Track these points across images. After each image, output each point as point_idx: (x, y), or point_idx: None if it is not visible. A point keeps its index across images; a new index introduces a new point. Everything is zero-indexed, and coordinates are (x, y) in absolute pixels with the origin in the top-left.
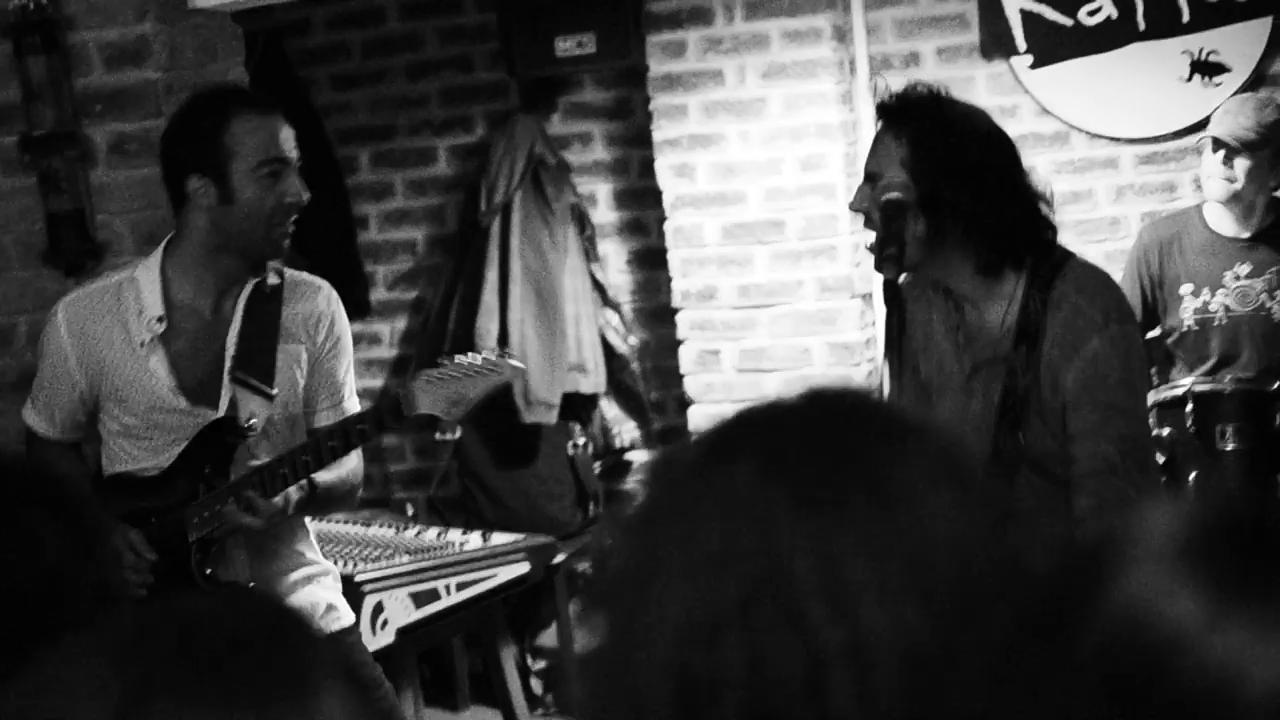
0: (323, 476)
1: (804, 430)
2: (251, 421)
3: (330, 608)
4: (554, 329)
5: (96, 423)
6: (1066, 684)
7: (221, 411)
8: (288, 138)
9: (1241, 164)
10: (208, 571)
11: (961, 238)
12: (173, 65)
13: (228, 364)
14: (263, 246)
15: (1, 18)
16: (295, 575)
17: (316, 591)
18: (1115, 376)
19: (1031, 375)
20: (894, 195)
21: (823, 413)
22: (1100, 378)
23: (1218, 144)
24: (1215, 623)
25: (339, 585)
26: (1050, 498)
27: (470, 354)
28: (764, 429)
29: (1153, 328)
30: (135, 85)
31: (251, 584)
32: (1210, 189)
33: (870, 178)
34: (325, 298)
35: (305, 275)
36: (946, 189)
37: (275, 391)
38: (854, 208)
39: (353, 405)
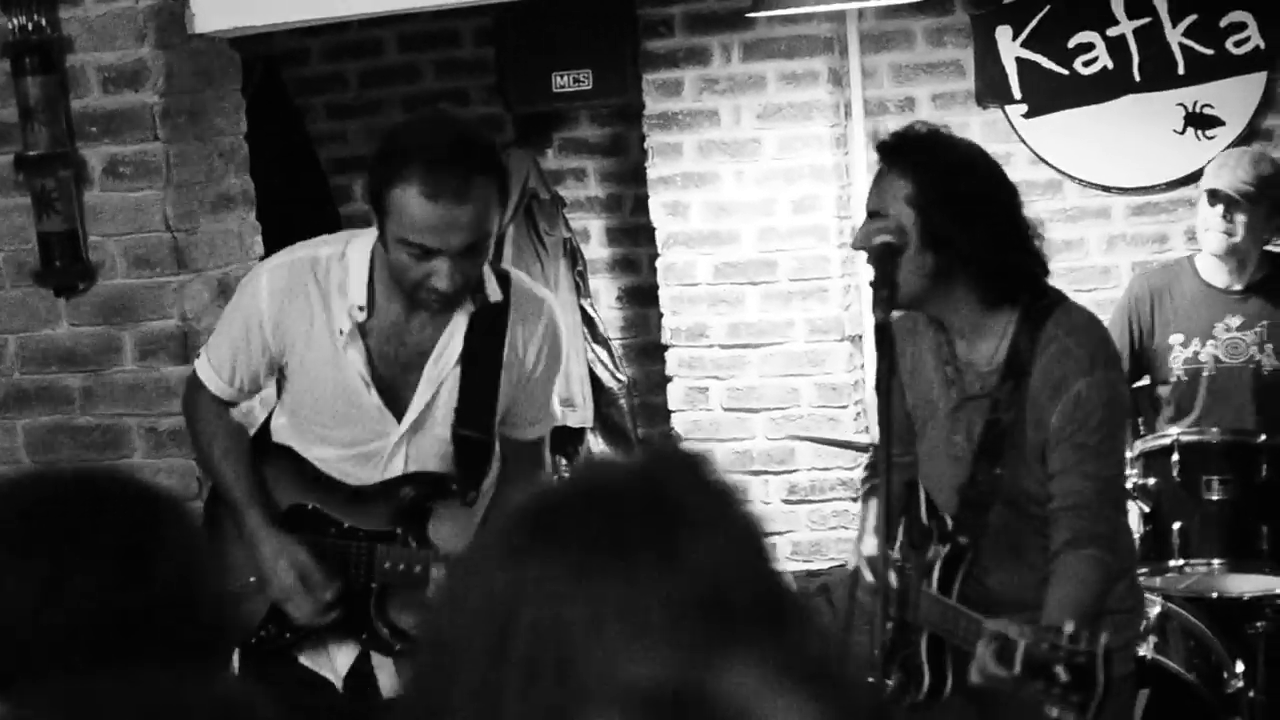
0: None
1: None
2: (471, 496)
3: None
4: None
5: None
6: None
7: (404, 427)
8: (451, 227)
9: (1240, 217)
10: (382, 615)
11: (963, 273)
12: (169, 89)
13: (422, 403)
14: (413, 300)
15: (0, 37)
16: None
17: None
18: (1096, 419)
19: (1015, 412)
20: (886, 238)
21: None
22: (1082, 420)
23: (1216, 197)
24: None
25: None
26: (1019, 533)
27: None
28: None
29: (1140, 377)
30: (131, 108)
31: None
32: (1208, 241)
33: (872, 215)
34: (548, 315)
35: (527, 284)
36: (951, 225)
37: (494, 445)
38: (856, 246)
39: (554, 416)
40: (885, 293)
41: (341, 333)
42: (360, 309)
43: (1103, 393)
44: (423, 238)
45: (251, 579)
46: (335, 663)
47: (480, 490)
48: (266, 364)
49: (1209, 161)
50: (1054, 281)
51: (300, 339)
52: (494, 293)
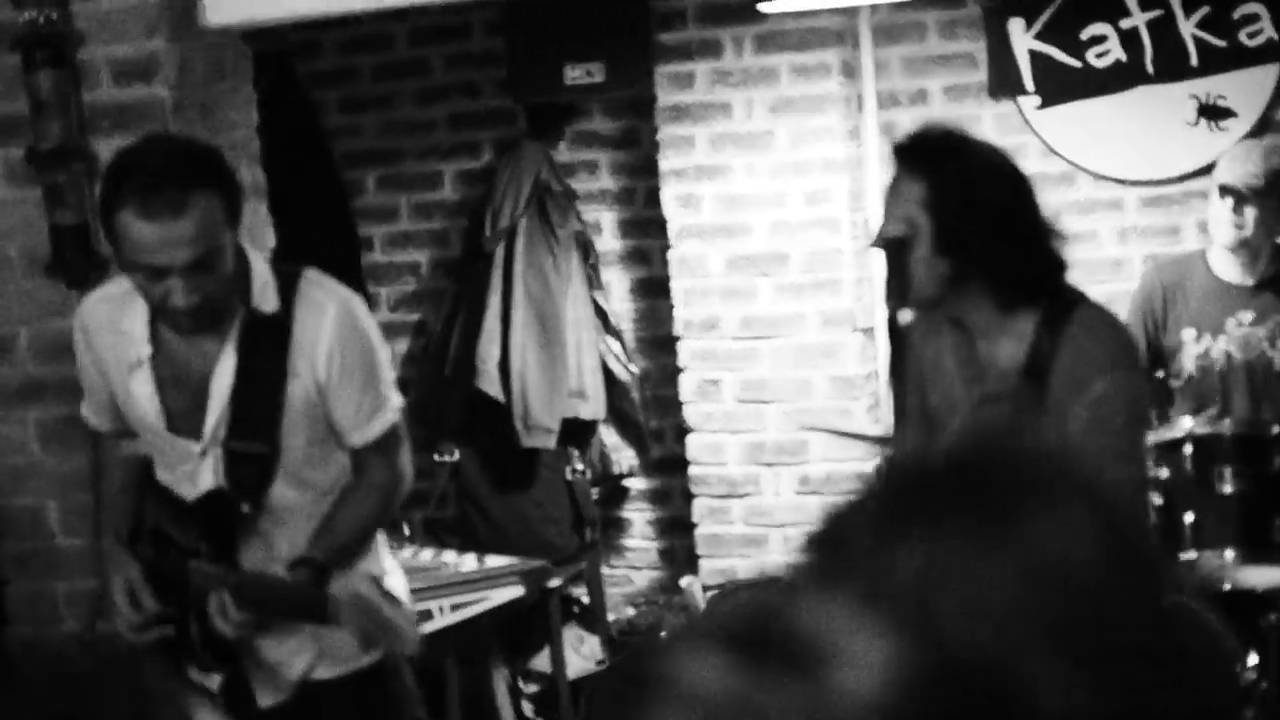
0: (329, 542)
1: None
2: (247, 509)
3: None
4: (555, 355)
5: None
6: None
7: (201, 444)
8: (174, 244)
9: (1250, 211)
10: (202, 629)
11: (983, 276)
12: (182, 83)
13: (214, 421)
14: (169, 323)
15: (11, 31)
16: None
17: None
18: (1119, 420)
19: (1037, 412)
20: (896, 232)
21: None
22: (1103, 421)
23: (1226, 191)
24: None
25: None
26: None
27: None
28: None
29: (1156, 370)
30: (143, 102)
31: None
32: (1219, 235)
33: (893, 215)
34: (337, 316)
35: (317, 288)
36: (970, 230)
37: (282, 456)
38: (876, 245)
39: (388, 413)
40: (896, 285)
41: (129, 367)
42: (146, 340)
43: (1124, 392)
44: (149, 257)
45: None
46: (212, 677)
47: (261, 503)
48: (110, 398)
49: (1221, 154)
50: (1067, 274)
51: (108, 375)
52: (268, 302)
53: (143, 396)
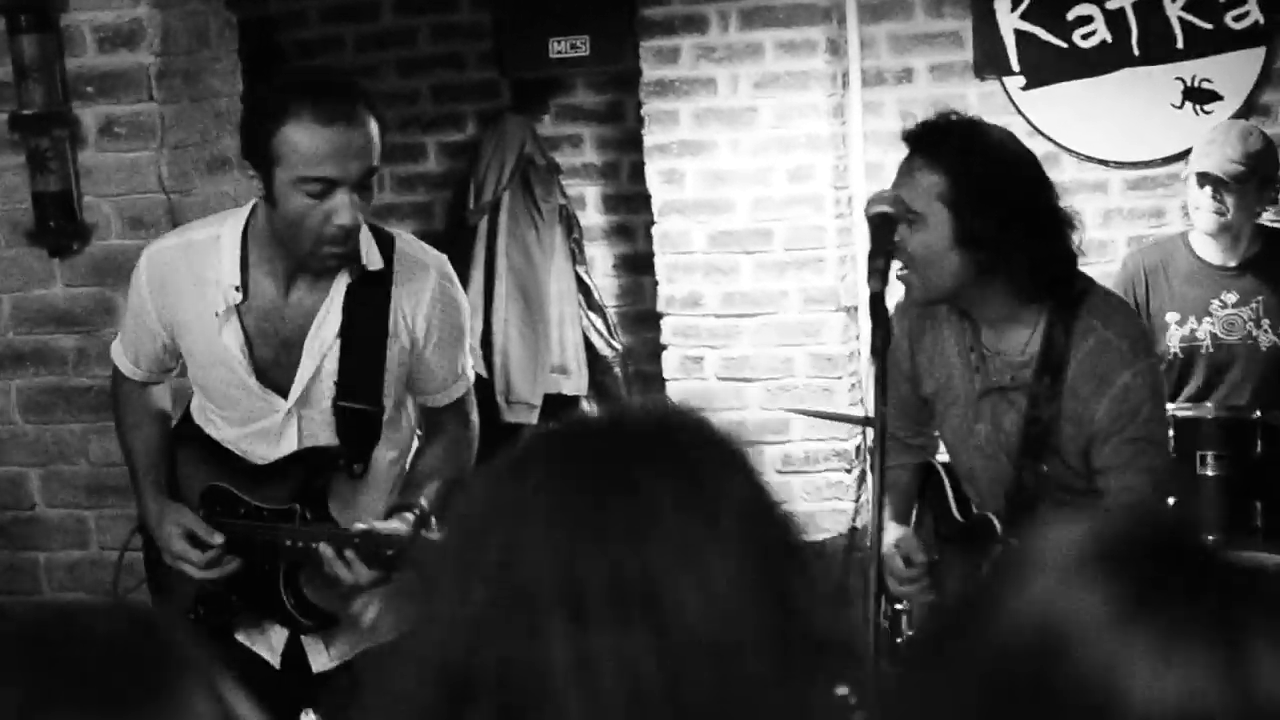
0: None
1: (583, 452)
2: (358, 468)
3: None
4: (538, 330)
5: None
6: (948, 687)
7: (290, 402)
8: (351, 154)
9: (1230, 197)
10: (294, 592)
11: (1000, 271)
12: (165, 50)
13: (306, 378)
14: (309, 261)
15: None
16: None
17: None
18: (1147, 411)
19: (1055, 406)
20: (882, 208)
21: (611, 435)
22: (1132, 412)
23: (1205, 179)
24: (1106, 629)
25: None
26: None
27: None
28: (550, 450)
29: None
30: (127, 68)
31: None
32: (1200, 221)
33: (909, 212)
34: (436, 280)
35: (414, 248)
36: (990, 225)
37: (386, 415)
38: (871, 216)
39: (457, 389)
40: (880, 262)
41: (217, 315)
42: (236, 289)
43: (1148, 381)
44: (322, 168)
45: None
46: (270, 640)
47: (370, 461)
48: (162, 348)
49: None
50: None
51: (184, 324)
52: (374, 261)
53: (232, 346)
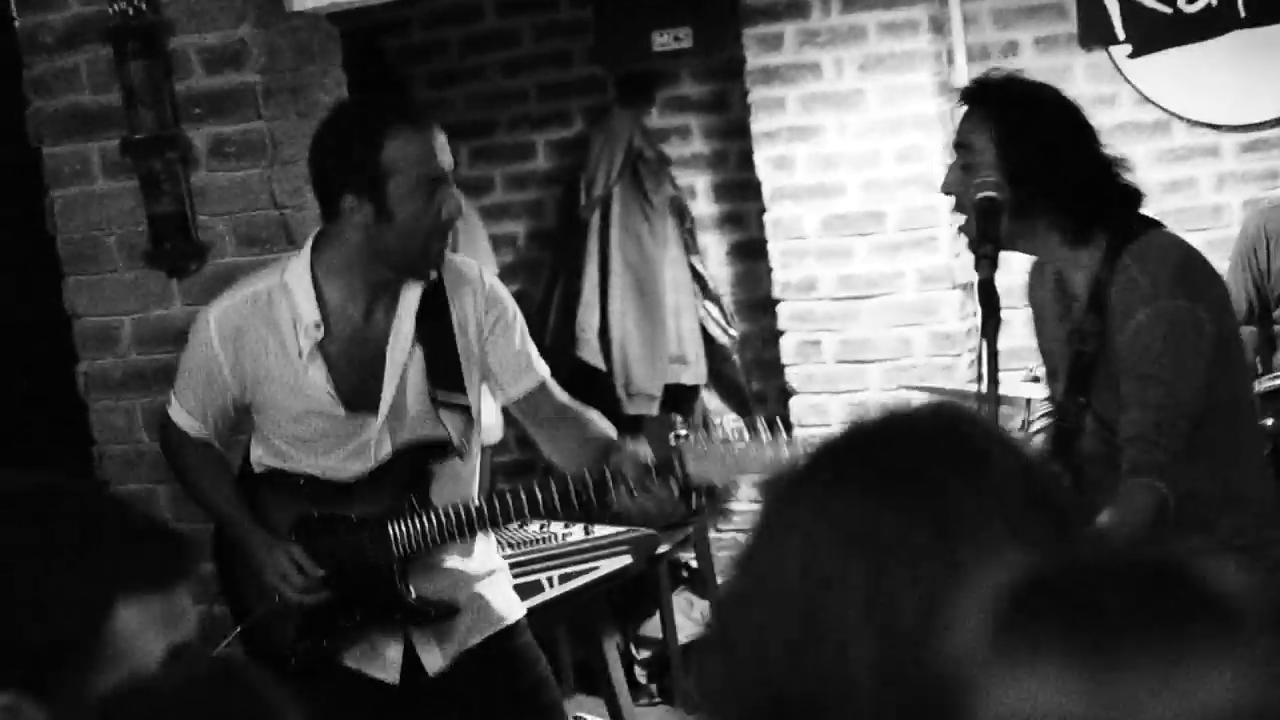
0: None
1: (886, 462)
2: (461, 443)
3: (509, 602)
4: (654, 321)
5: (245, 422)
6: None
7: (381, 418)
8: (444, 149)
9: None
10: (410, 589)
11: (1046, 208)
12: (270, 68)
13: (393, 389)
14: (420, 262)
15: (102, 23)
16: (483, 574)
17: (499, 587)
18: (1157, 348)
19: (1097, 341)
20: (989, 193)
21: (909, 441)
22: (1144, 349)
23: None
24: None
25: (510, 580)
26: (1108, 462)
27: (728, 427)
28: (858, 458)
29: (1264, 320)
30: (234, 88)
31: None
32: None
33: (959, 147)
34: (479, 277)
35: (456, 258)
36: (1033, 160)
37: (471, 404)
38: (945, 190)
39: (538, 371)
40: (989, 249)
41: (302, 355)
42: (317, 326)
43: (1164, 320)
44: (433, 166)
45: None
46: (386, 658)
47: (470, 445)
48: (231, 403)
49: None
50: (1166, 221)
51: (261, 375)
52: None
53: (319, 381)
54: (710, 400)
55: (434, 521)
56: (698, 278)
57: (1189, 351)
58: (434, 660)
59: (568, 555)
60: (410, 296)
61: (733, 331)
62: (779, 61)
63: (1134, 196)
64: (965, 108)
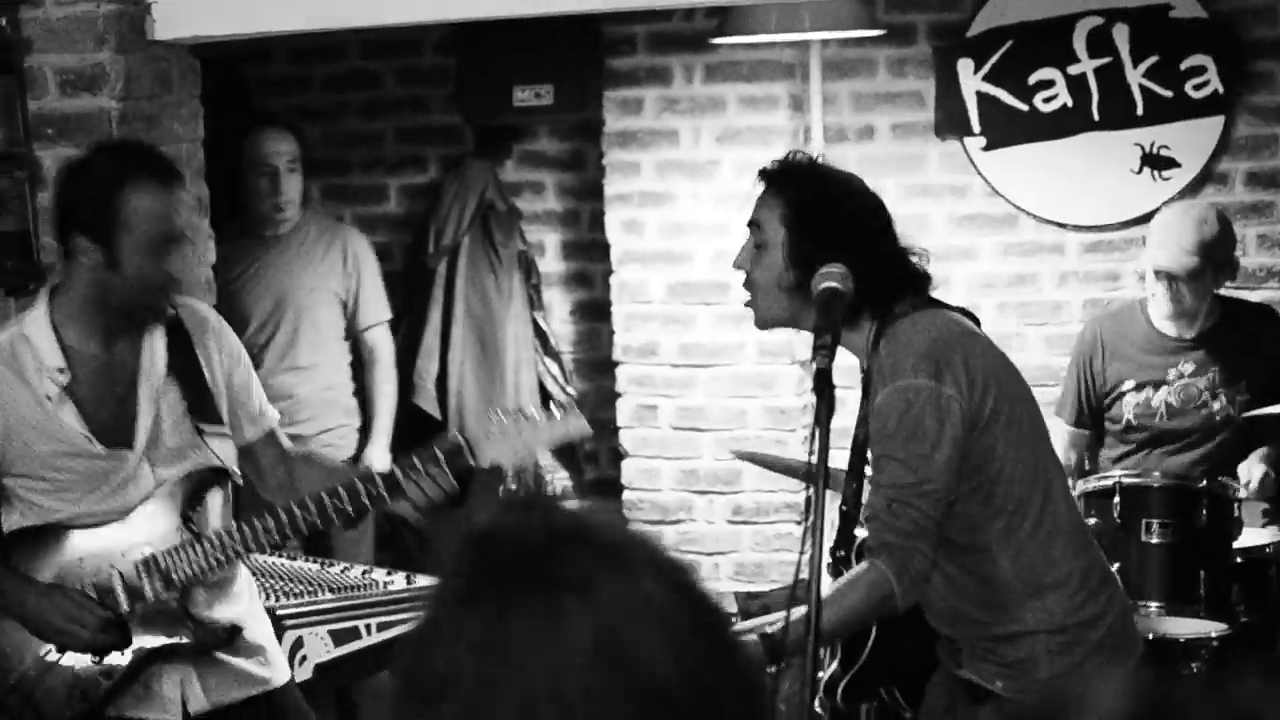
0: None
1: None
2: (233, 470)
3: (278, 663)
4: (493, 374)
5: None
6: None
7: (139, 449)
8: (185, 210)
9: (1185, 287)
10: (191, 611)
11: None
12: (128, 94)
13: (148, 423)
14: (144, 314)
15: None
16: (253, 608)
17: (267, 636)
18: (890, 427)
19: (865, 425)
20: (831, 284)
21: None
22: (879, 429)
23: (1160, 274)
24: None
25: (270, 633)
26: None
27: (524, 408)
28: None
29: (1094, 426)
30: (89, 112)
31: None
32: (1156, 308)
33: (752, 225)
34: (216, 320)
35: (190, 301)
36: (817, 247)
37: (232, 435)
38: (736, 265)
39: (271, 415)
40: (828, 340)
41: (50, 399)
42: (61, 370)
43: (901, 399)
44: (169, 225)
45: (43, 653)
46: (164, 696)
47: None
48: None
49: (1161, 204)
50: (1007, 316)
51: (13, 424)
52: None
53: (70, 420)
54: (543, 457)
55: (207, 548)
56: (540, 334)
57: (929, 431)
58: (198, 701)
59: (387, 604)
60: (156, 332)
61: (570, 390)
62: (638, 126)
63: (923, 282)
64: (762, 187)
